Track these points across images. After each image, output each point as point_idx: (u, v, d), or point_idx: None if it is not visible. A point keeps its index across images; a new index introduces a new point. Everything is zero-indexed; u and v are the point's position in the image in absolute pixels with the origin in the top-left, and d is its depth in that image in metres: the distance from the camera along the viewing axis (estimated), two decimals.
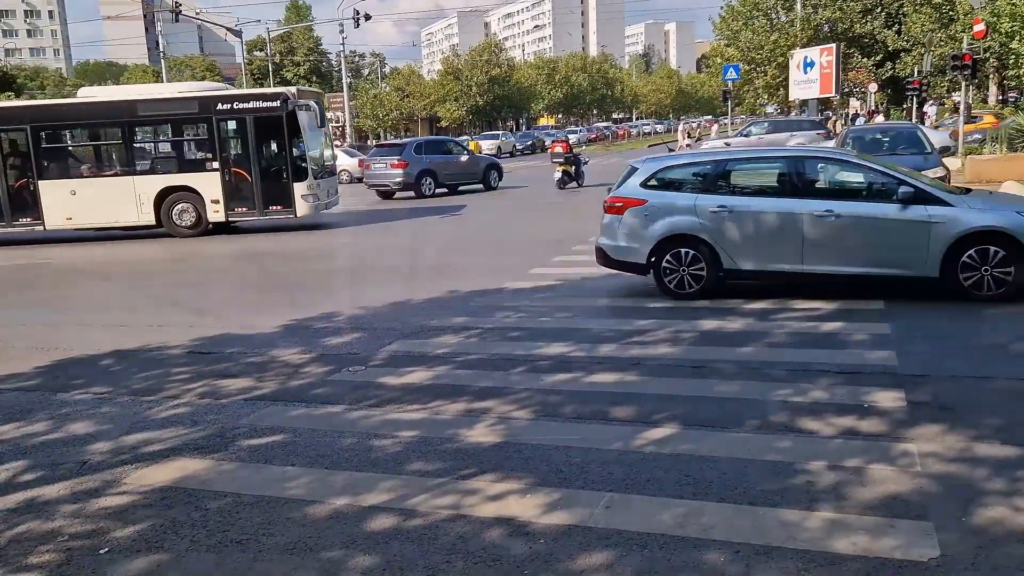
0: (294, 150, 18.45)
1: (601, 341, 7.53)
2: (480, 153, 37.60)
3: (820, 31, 46.14)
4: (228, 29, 56.61)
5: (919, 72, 42.71)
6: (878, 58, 47.30)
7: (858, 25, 46.60)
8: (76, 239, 19.08)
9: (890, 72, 47.03)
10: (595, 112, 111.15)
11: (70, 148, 20.25)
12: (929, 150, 15.82)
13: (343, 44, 64.39)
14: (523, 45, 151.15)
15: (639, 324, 8.06)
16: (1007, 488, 4.18)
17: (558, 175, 25.89)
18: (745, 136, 31.72)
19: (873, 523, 3.87)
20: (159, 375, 7.17)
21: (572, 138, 49.85)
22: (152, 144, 19.89)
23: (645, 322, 8.13)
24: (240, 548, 3.95)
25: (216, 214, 18.64)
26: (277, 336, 8.46)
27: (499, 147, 53.51)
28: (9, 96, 64.76)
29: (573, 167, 26.86)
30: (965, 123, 27.22)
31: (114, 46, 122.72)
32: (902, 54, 45.82)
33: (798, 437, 5.00)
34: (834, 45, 40.57)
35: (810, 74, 40.15)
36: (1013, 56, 28.61)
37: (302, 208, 18.48)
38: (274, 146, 18.64)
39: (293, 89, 18.74)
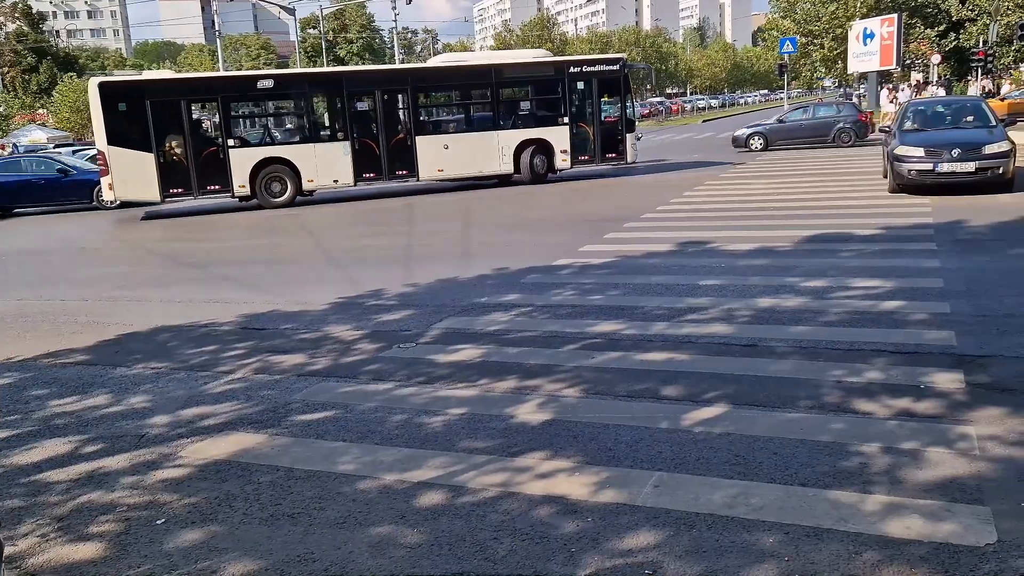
0: (627, 105, 22.24)
1: (653, 319, 7.47)
2: None
3: (881, 1, 44.83)
4: (281, 7, 57.04)
5: (984, 42, 41.30)
6: (941, 28, 45.82)
7: None
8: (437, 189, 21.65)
9: (954, 43, 45.56)
10: (648, 87, 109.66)
11: (443, 107, 23.48)
12: (993, 123, 15.30)
13: (395, 21, 64.77)
14: (576, 20, 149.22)
15: (691, 302, 7.97)
16: None
17: None
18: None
19: (929, 507, 3.78)
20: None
21: None
22: (512, 102, 22.67)
23: (698, 300, 8.04)
24: (291, 522, 4.02)
25: (564, 162, 21.83)
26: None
27: None
28: (71, 77, 66.12)
29: None
30: None
31: (171, 26, 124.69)
32: (967, 24, 44.35)
33: (852, 418, 4.91)
34: (895, 15, 39.40)
35: (870, 46, 39.10)
36: None
37: (631, 155, 22.25)
38: (611, 102, 22.28)
39: (624, 55, 22.14)
